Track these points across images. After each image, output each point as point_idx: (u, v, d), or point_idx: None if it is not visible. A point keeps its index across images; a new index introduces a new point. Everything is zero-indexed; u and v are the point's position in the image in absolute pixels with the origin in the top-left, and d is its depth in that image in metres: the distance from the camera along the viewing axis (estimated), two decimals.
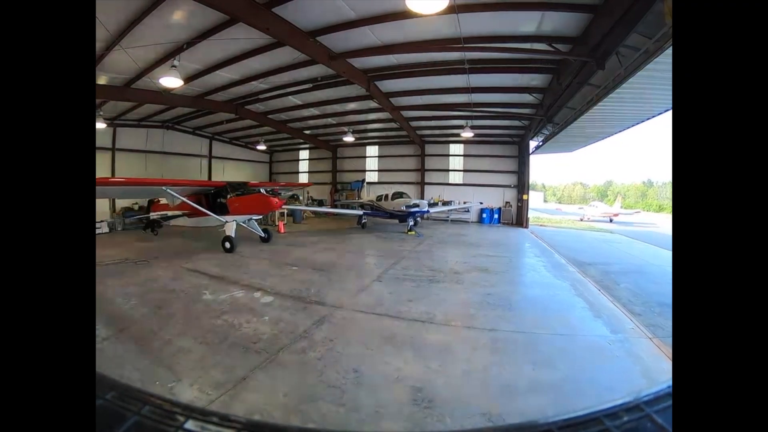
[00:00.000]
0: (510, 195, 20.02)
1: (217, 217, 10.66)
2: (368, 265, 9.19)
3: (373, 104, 14.02)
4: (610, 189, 73.10)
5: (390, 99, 13.34)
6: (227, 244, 10.19)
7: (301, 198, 22.71)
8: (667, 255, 12.05)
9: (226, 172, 22.46)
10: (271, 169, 26.60)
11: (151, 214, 13.35)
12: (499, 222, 19.79)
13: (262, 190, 11.28)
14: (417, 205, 15.01)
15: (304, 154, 25.44)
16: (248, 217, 11.31)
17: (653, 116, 10.79)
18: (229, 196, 11.02)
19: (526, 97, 12.49)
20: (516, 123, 16.15)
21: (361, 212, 16.54)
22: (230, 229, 10.36)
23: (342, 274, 7.99)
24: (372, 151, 23.04)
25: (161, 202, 12.84)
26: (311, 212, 20.53)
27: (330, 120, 17.57)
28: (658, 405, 0.37)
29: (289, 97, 13.65)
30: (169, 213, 12.83)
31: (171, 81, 9.10)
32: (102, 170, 16.08)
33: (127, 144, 17.23)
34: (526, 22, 7.56)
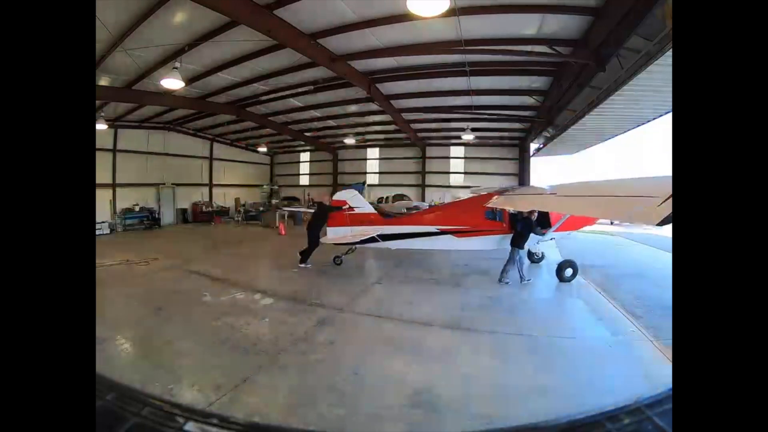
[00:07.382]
0: None
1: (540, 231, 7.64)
2: (368, 267, 9.17)
3: (374, 106, 14.02)
4: None
5: (391, 101, 13.34)
6: (569, 271, 7.40)
7: (301, 200, 22.74)
8: (667, 258, 12.01)
9: (227, 174, 22.48)
10: (272, 171, 26.62)
11: (365, 229, 8.22)
12: None
13: None
14: (417, 207, 15.03)
15: (305, 156, 25.42)
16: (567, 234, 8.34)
17: (654, 118, 10.77)
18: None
19: (527, 100, 12.49)
20: (517, 125, 16.14)
21: None
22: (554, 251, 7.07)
23: (341, 276, 7.97)
24: (373, 153, 23.03)
25: (356, 210, 8.48)
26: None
27: (331, 122, 17.58)
28: (659, 408, 0.37)
29: (290, 99, 13.66)
30: (399, 229, 8.21)
31: (172, 83, 9.11)
32: (103, 171, 15.99)
33: (129, 145, 17.20)
34: (527, 24, 7.56)
